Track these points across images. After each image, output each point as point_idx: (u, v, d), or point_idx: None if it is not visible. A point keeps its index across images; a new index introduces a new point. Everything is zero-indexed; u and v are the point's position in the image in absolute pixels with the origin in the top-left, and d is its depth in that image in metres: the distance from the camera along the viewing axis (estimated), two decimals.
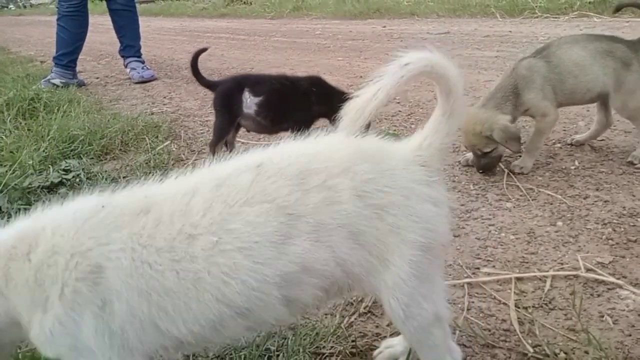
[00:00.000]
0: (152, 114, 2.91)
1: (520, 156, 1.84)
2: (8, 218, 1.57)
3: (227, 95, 1.90)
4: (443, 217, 0.74)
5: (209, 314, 0.68)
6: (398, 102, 2.72)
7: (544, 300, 1.11)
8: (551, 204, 1.53)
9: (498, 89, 1.70)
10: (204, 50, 2.00)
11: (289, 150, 0.77)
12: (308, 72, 3.68)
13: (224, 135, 1.95)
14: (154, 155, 2.14)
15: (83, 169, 1.98)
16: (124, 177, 1.95)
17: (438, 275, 0.76)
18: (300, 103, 1.90)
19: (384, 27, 6.22)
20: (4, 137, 2.36)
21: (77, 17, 3.76)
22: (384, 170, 0.73)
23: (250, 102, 1.87)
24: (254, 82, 1.90)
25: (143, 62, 4.11)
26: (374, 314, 1.11)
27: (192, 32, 7.85)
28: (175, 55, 5.35)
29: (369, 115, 0.76)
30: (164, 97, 3.39)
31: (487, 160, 1.72)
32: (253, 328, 0.75)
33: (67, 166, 2.01)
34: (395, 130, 2.21)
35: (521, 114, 1.69)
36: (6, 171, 1.84)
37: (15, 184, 1.76)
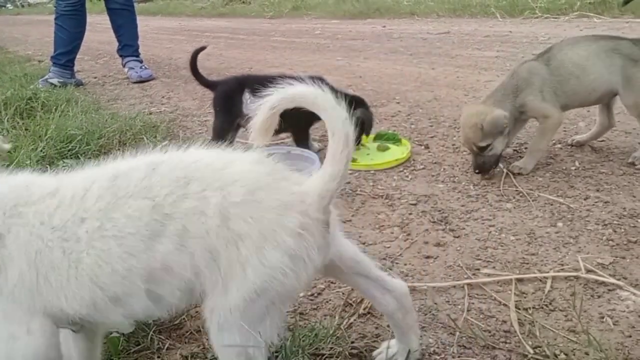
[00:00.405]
0: (151, 113, 2.90)
1: (521, 157, 1.83)
2: None
3: (228, 96, 1.89)
4: (293, 272, 0.71)
5: (84, 293, 0.73)
6: (398, 102, 2.72)
7: (544, 302, 1.10)
8: (551, 204, 1.53)
9: (499, 89, 1.70)
10: (202, 49, 2.00)
11: (187, 156, 0.79)
12: (306, 72, 3.67)
13: (223, 136, 1.94)
14: None
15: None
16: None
17: (270, 319, 0.74)
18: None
19: (384, 26, 6.21)
20: (1, 136, 2.35)
21: (75, 16, 3.74)
22: (255, 201, 0.71)
23: (250, 102, 1.86)
24: (255, 83, 1.89)
25: (141, 62, 4.10)
26: (373, 315, 1.10)
27: (191, 31, 7.84)
28: (174, 54, 5.34)
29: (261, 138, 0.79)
30: (162, 97, 3.38)
31: (484, 159, 1.70)
32: (127, 316, 0.77)
33: (64, 166, 1.99)
34: (394, 131, 2.20)
35: (520, 114, 1.69)
36: None
37: None
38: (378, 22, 6.98)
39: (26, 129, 2.46)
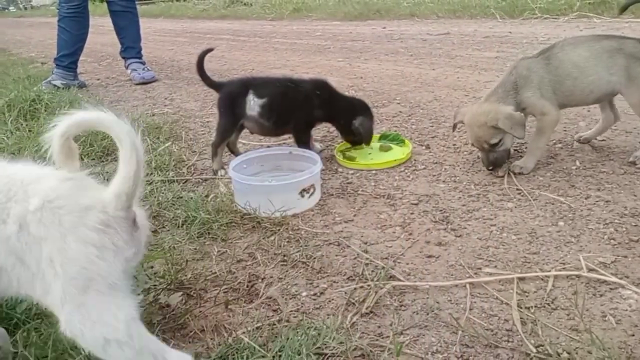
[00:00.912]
0: (154, 115, 2.91)
1: (522, 156, 1.84)
2: None
3: (232, 97, 1.90)
4: (103, 260, 0.81)
5: None
6: (398, 103, 2.73)
7: (546, 300, 1.11)
8: (552, 204, 1.53)
9: (499, 86, 1.71)
10: (209, 50, 2.00)
11: (5, 170, 0.87)
12: (308, 73, 3.69)
13: (227, 137, 1.96)
14: (155, 156, 2.14)
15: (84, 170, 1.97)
16: None
17: (105, 303, 0.82)
18: (302, 106, 1.91)
19: (384, 28, 6.22)
20: (5, 138, 2.37)
21: (77, 18, 3.76)
22: (55, 207, 0.80)
23: (254, 104, 1.88)
24: (259, 84, 1.91)
25: (144, 64, 4.12)
26: (376, 314, 1.11)
27: (193, 33, 7.85)
28: (176, 56, 5.36)
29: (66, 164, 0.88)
30: (165, 99, 3.39)
31: (496, 155, 1.71)
32: None
33: None
34: (396, 131, 2.21)
35: (521, 111, 1.69)
36: None
37: None
38: (378, 24, 6.99)
39: (30, 131, 2.48)
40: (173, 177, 1.97)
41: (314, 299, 1.19)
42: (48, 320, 1.09)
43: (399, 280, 1.21)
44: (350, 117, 1.94)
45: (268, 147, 2.25)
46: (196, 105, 3.14)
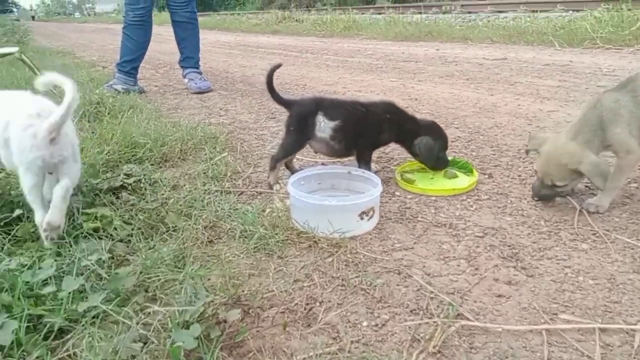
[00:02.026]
0: (210, 124, 2.96)
1: (593, 193, 1.73)
2: (72, 216, 1.62)
3: (303, 117, 1.91)
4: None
5: None
6: (457, 128, 2.65)
7: (634, 357, 1.01)
8: (632, 249, 1.42)
9: (584, 123, 1.60)
10: (278, 66, 2.00)
11: None
12: (361, 91, 3.67)
13: (290, 154, 1.98)
14: (212, 165, 2.16)
15: (144, 175, 2.01)
16: (182, 186, 1.97)
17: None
18: (372, 129, 1.91)
19: (437, 50, 6.16)
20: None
21: (142, 26, 3.91)
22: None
23: (324, 125, 1.88)
24: (329, 106, 1.91)
25: (201, 74, 4.22)
26: (444, 355, 1.04)
27: (246, 46, 8.05)
28: (230, 68, 5.48)
29: None
30: (220, 109, 3.45)
31: (551, 193, 1.65)
32: None
33: (128, 170, 2.04)
34: (454, 157, 2.14)
35: (604, 149, 1.60)
36: None
37: (86, 184, 1.81)
38: (430, 45, 6.93)
39: (92, 132, 2.56)
40: (229, 188, 1.97)
41: (376, 331, 1.14)
42: None
43: (468, 319, 1.14)
44: (415, 138, 1.91)
45: (323, 164, 2.23)
46: (250, 117, 3.17)
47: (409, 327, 1.13)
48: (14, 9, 44.07)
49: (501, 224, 1.60)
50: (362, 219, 1.52)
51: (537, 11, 9.87)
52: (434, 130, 1.94)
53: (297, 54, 6.64)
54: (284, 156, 1.96)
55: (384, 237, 1.55)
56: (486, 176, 1.99)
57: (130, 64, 3.98)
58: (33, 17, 42.85)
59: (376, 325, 1.15)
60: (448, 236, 1.54)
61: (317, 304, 1.24)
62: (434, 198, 1.81)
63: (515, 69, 4.43)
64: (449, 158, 2.02)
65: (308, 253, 1.47)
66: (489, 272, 1.34)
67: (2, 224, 1.59)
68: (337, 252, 1.45)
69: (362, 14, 12.88)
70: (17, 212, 1.63)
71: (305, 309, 1.22)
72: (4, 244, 1.48)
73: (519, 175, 1.98)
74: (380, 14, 12.44)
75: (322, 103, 1.93)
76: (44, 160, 1.36)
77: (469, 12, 11.87)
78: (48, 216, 1.40)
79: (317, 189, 1.79)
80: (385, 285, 1.30)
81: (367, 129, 1.90)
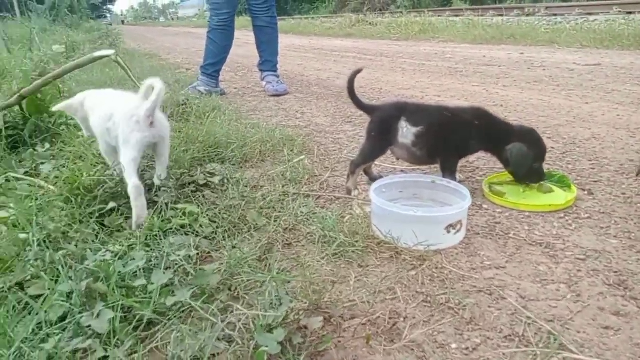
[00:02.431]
0: (287, 127, 2.99)
1: None
2: (161, 212, 1.69)
3: (385, 122, 1.86)
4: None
5: None
6: (549, 137, 2.47)
7: None
8: None
9: None
10: (359, 71, 1.96)
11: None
12: (440, 96, 3.54)
13: (370, 161, 1.93)
14: (290, 167, 2.17)
15: (226, 174, 2.06)
16: (262, 187, 1.99)
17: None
18: (459, 136, 1.81)
19: (522, 54, 5.84)
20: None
21: (225, 30, 4.05)
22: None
23: (407, 131, 1.81)
24: (413, 111, 1.85)
25: (278, 77, 4.30)
26: None
27: (320, 50, 8.11)
28: (305, 71, 5.54)
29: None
30: (296, 112, 3.48)
31: None
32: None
33: (212, 169, 2.10)
34: (550, 169, 1.98)
35: None
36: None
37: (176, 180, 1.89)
38: (513, 49, 6.59)
39: (179, 132, 2.68)
40: (306, 191, 1.97)
41: (466, 355, 1.06)
42: None
43: (572, 351, 1.03)
44: (505, 144, 1.79)
45: (402, 171, 2.16)
46: (326, 121, 3.17)
47: (504, 355, 1.04)
48: (108, 15, 47.98)
49: (605, 246, 1.45)
50: (448, 232, 1.44)
51: (634, 12, 9.08)
52: (530, 138, 1.79)
53: (371, 57, 6.58)
54: (364, 162, 1.92)
55: (472, 253, 1.46)
56: (585, 192, 1.82)
57: (213, 67, 4.14)
58: (123, 22, 46.39)
59: (466, 348, 1.08)
60: (545, 257, 1.42)
61: (401, 319, 1.18)
62: (527, 214, 1.69)
63: (611, 76, 4.08)
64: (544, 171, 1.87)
65: (389, 264, 1.42)
66: (593, 300, 1.21)
67: (97, 215, 1.69)
68: (421, 265, 1.39)
69: (438, 16, 12.56)
70: (111, 204, 1.72)
71: (388, 323, 1.17)
72: (98, 234, 1.57)
73: (623, 194, 1.79)
74: (457, 16, 12.06)
75: (405, 108, 1.87)
76: (147, 139, 1.70)
77: (555, 15, 11.18)
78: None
79: (399, 198, 1.73)
80: (476, 305, 1.22)
81: (453, 136, 1.81)
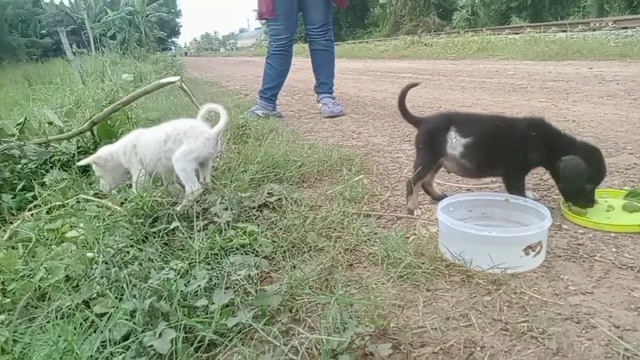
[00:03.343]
0: (344, 147, 2.95)
1: None
2: (221, 231, 1.68)
3: (432, 133, 1.78)
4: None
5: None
6: (631, 153, 2.26)
7: None
8: None
9: None
10: (413, 85, 1.92)
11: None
12: (504, 112, 3.38)
13: (423, 175, 1.83)
14: (349, 187, 2.11)
15: (285, 194, 2.03)
16: (320, 206, 1.95)
17: None
18: (514, 148, 1.68)
19: (590, 68, 5.52)
20: (217, 158, 2.63)
21: (283, 55, 4.13)
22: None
23: (456, 142, 1.72)
24: (463, 122, 1.75)
25: (334, 98, 4.31)
26: None
27: (375, 72, 8.12)
28: (360, 93, 5.53)
29: None
30: (353, 132, 3.45)
31: None
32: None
33: (270, 189, 2.09)
34: (635, 187, 1.80)
35: None
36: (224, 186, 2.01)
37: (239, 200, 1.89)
38: (581, 64, 6.26)
39: (238, 153, 2.71)
40: (367, 211, 1.90)
41: None
42: None
43: None
44: (560, 158, 1.62)
45: (467, 190, 2.05)
46: (384, 140, 3.10)
47: None
48: (172, 47, 51.19)
49: None
50: (527, 254, 1.32)
51: None
52: (591, 156, 1.62)
53: (428, 76, 6.47)
54: (418, 178, 1.82)
55: (554, 277, 1.32)
56: None
57: (270, 91, 4.22)
58: (186, 54, 49.24)
59: None
60: (638, 282, 1.26)
61: (478, 348, 1.08)
62: (612, 234, 1.52)
63: None
64: (628, 188, 1.70)
65: (461, 288, 1.31)
66: None
67: (161, 234, 1.71)
68: (497, 290, 1.27)
69: (497, 34, 12.25)
70: (174, 224, 1.75)
71: (464, 352, 1.07)
72: (161, 253, 1.58)
73: None
74: (517, 33, 11.70)
75: (455, 118, 1.77)
76: (210, 154, 2.03)
77: (625, 28, 10.58)
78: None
79: (468, 217, 1.62)
80: (563, 335, 1.08)
81: (508, 148, 1.69)
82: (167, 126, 2.06)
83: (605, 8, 16.58)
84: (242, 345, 1.11)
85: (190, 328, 1.17)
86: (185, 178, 1.93)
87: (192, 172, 1.95)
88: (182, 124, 2.04)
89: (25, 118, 3.74)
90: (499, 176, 1.85)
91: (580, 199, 1.64)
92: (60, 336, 1.12)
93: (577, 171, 1.57)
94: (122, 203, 1.96)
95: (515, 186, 1.71)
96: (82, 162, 2.23)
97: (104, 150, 2.21)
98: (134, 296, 1.26)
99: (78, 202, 2.14)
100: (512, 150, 1.69)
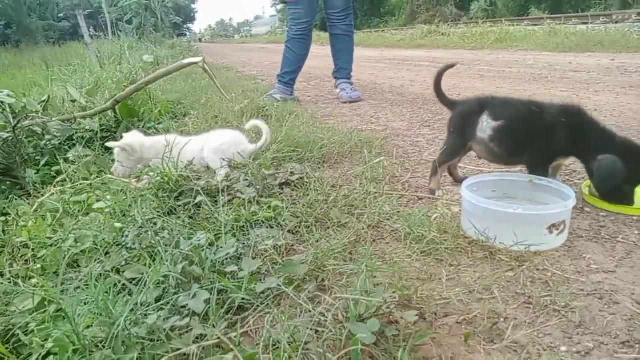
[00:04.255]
0: (363, 130, 2.97)
1: None
2: (245, 206, 1.72)
3: (464, 117, 1.77)
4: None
5: None
6: None
7: None
8: None
9: None
10: (450, 66, 1.90)
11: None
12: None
13: (452, 158, 1.84)
14: (370, 168, 2.14)
15: (306, 174, 2.06)
16: (340, 186, 1.98)
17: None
18: (542, 135, 1.62)
19: (612, 60, 5.44)
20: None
21: (303, 39, 4.14)
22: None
23: (486, 125, 1.70)
24: (497, 105, 1.72)
25: (352, 84, 4.31)
26: None
27: (392, 60, 8.07)
28: (378, 80, 5.52)
29: None
30: (371, 117, 3.46)
31: None
32: None
33: (292, 169, 2.13)
34: None
35: None
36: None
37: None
38: (602, 56, 6.17)
39: (256, 134, 2.75)
40: (388, 191, 1.92)
41: (578, 359, 0.96)
42: None
43: None
44: (600, 153, 1.54)
45: (489, 172, 2.06)
46: (403, 125, 3.11)
47: None
48: (187, 33, 51.31)
49: None
50: (551, 232, 1.34)
51: None
52: (632, 155, 1.51)
53: None
54: (445, 160, 1.84)
55: (576, 256, 1.34)
56: None
57: (289, 75, 4.23)
58: (200, 40, 49.25)
59: (578, 352, 0.98)
60: None
61: (502, 319, 1.10)
62: (635, 218, 1.53)
63: None
64: None
65: (483, 264, 1.34)
66: None
67: (187, 207, 1.76)
68: (520, 266, 1.29)
69: (516, 25, 12.08)
70: (199, 198, 1.79)
71: (487, 322, 1.09)
72: (186, 224, 1.62)
73: None
74: (536, 25, 11.52)
75: (490, 102, 1.74)
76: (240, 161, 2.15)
77: None
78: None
79: (492, 197, 1.63)
80: (585, 309, 1.11)
81: (537, 134, 1.63)
82: (208, 137, 2.22)
83: (628, 0, 16.22)
84: (273, 308, 1.15)
85: (219, 292, 1.21)
86: (215, 166, 2.11)
87: (220, 161, 2.12)
88: (222, 136, 2.22)
89: (49, 96, 3.81)
90: (524, 163, 1.78)
91: (616, 199, 1.57)
92: (99, 295, 1.17)
93: (612, 173, 1.49)
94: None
95: (537, 174, 1.65)
96: (112, 145, 2.27)
97: (135, 139, 2.26)
98: (166, 261, 1.30)
99: (102, 179, 2.19)
100: (540, 137, 1.63)
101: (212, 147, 2.14)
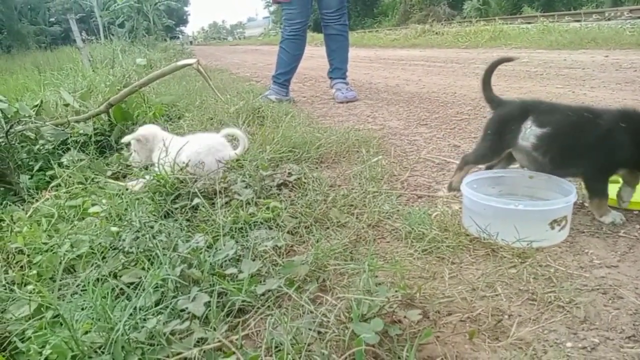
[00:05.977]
0: (360, 130, 2.96)
1: None
2: (243, 207, 1.70)
3: (505, 120, 1.60)
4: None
5: None
6: None
7: None
8: None
9: None
10: (507, 60, 1.82)
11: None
12: (520, 97, 3.37)
13: (483, 162, 1.69)
14: (368, 167, 2.12)
15: (304, 174, 2.05)
16: (338, 186, 1.97)
17: None
18: (599, 144, 1.43)
19: (606, 56, 5.46)
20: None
21: (297, 40, 4.12)
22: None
23: (529, 132, 1.52)
24: (543, 111, 1.54)
25: (347, 84, 4.30)
26: None
27: (386, 60, 8.08)
28: (373, 80, 5.52)
29: None
30: (367, 116, 3.45)
31: None
32: None
33: (289, 170, 2.11)
34: None
35: None
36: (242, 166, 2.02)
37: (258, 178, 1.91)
38: (596, 52, 6.19)
39: (252, 135, 2.73)
40: (387, 190, 1.91)
41: (584, 354, 0.95)
42: None
43: None
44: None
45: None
46: (400, 124, 3.10)
47: (628, 356, 0.92)
48: (180, 36, 51.16)
49: None
50: (552, 228, 1.33)
51: None
52: None
53: (441, 64, 6.43)
54: (473, 161, 1.70)
55: (578, 251, 1.33)
56: None
57: (284, 76, 4.22)
58: (191, 42, 49.04)
59: (584, 348, 0.97)
60: None
61: (506, 316, 1.09)
62: (636, 212, 1.53)
63: None
64: None
65: (486, 261, 1.33)
66: None
67: (184, 210, 1.74)
68: (522, 263, 1.28)
69: (509, 24, 12.13)
70: (196, 200, 1.77)
71: (492, 320, 1.08)
72: (183, 227, 1.60)
73: None
74: (529, 23, 11.57)
75: (536, 107, 1.57)
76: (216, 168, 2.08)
77: None
78: None
79: (491, 194, 1.63)
80: (590, 304, 1.10)
81: (591, 144, 1.44)
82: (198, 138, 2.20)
83: None
84: (276, 310, 1.13)
85: (219, 294, 1.19)
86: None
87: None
88: (200, 143, 2.14)
89: (42, 100, 3.78)
90: (577, 176, 1.57)
91: None
92: (96, 300, 1.15)
93: None
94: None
95: (595, 188, 1.49)
96: (127, 138, 2.32)
97: (149, 130, 2.33)
98: (164, 264, 1.29)
99: (98, 184, 2.17)
100: (596, 147, 1.43)
101: (189, 152, 2.08)
